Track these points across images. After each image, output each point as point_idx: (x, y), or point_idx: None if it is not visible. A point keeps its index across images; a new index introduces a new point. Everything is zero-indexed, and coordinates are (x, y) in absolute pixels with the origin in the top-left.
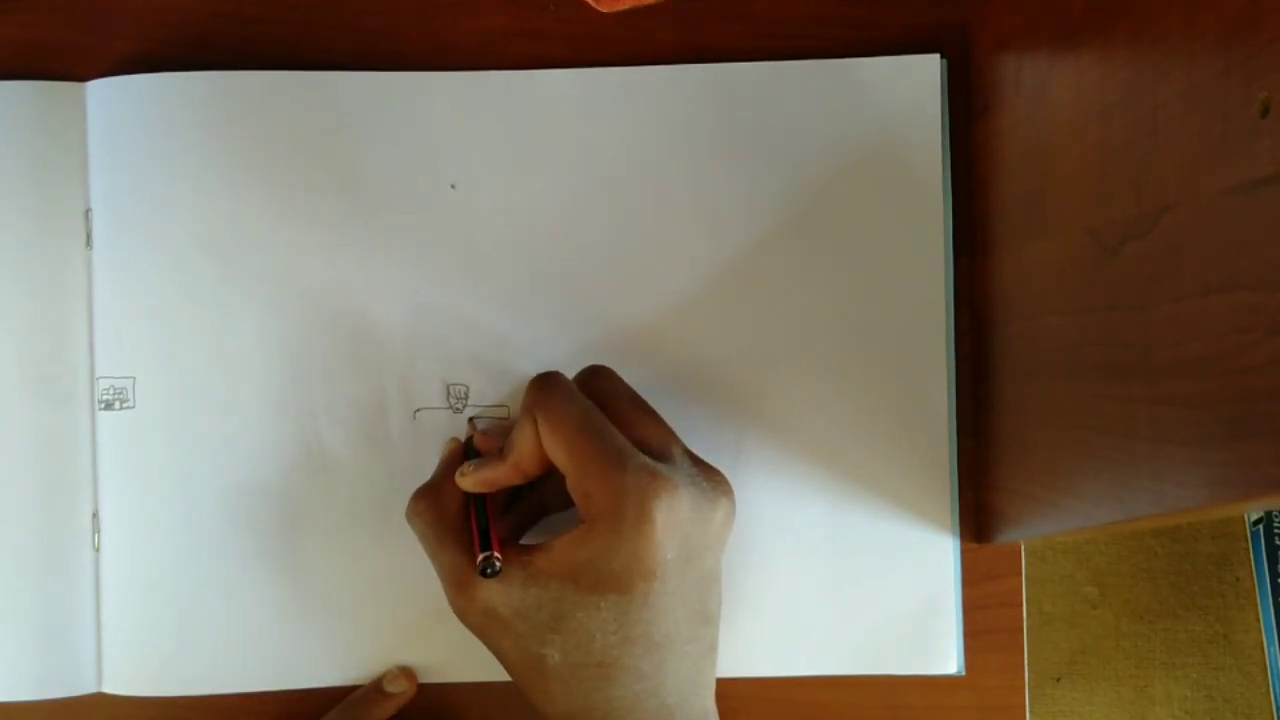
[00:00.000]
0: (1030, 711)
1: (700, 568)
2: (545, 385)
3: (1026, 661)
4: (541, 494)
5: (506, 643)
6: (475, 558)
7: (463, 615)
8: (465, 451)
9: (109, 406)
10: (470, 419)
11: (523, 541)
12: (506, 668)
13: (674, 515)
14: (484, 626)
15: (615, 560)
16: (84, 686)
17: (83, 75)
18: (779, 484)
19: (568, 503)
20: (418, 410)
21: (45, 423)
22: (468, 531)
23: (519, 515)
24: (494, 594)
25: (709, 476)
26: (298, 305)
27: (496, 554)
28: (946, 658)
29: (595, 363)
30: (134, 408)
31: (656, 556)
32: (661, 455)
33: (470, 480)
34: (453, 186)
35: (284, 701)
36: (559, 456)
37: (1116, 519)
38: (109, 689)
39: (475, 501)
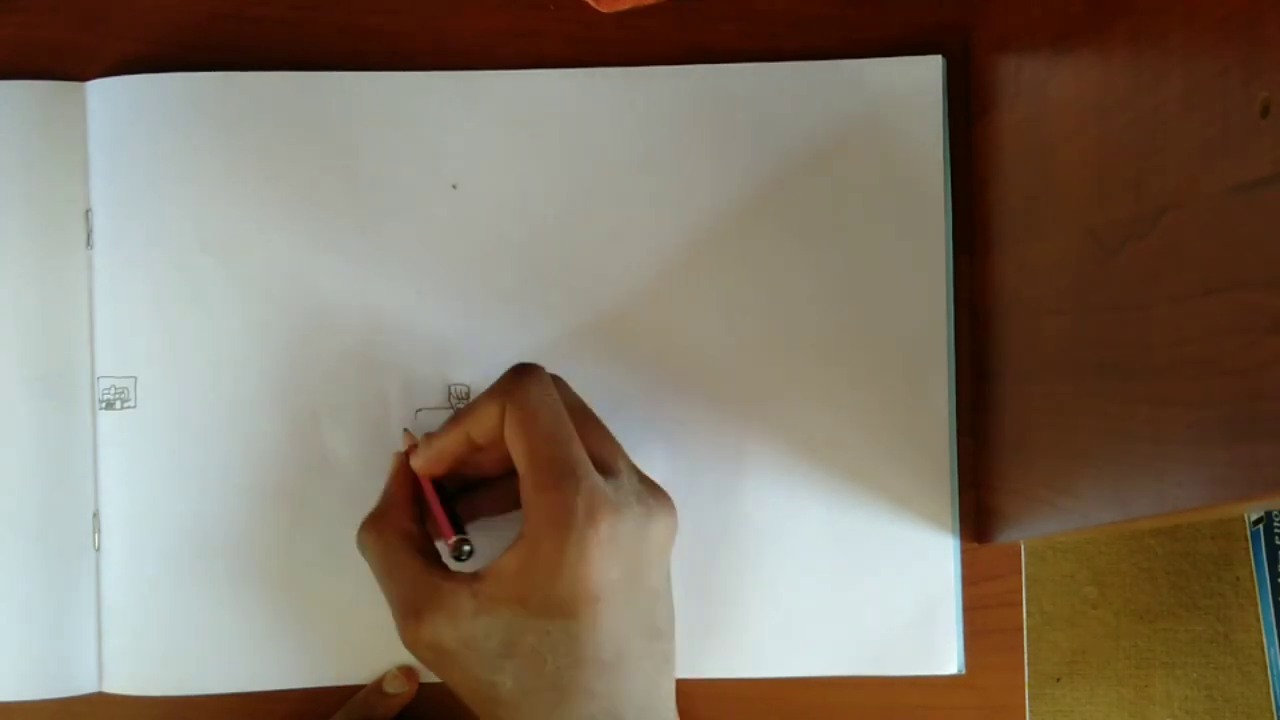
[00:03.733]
0: (1030, 711)
1: (645, 585)
2: (524, 377)
3: (1026, 661)
4: (475, 498)
5: (456, 674)
6: (441, 549)
7: (411, 647)
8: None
9: (110, 406)
10: (405, 429)
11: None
12: (460, 697)
13: (615, 537)
14: (432, 660)
15: (560, 584)
16: (84, 686)
17: (83, 75)
18: (780, 484)
19: (503, 508)
20: (419, 410)
21: (45, 423)
22: (412, 565)
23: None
24: (441, 627)
25: (653, 493)
26: (299, 305)
27: (466, 537)
28: (946, 658)
29: (564, 364)
30: (135, 407)
31: (599, 580)
32: (609, 469)
33: (423, 459)
34: (454, 187)
35: (284, 701)
36: (517, 451)
37: (1116, 519)
38: (109, 689)
39: (435, 488)
